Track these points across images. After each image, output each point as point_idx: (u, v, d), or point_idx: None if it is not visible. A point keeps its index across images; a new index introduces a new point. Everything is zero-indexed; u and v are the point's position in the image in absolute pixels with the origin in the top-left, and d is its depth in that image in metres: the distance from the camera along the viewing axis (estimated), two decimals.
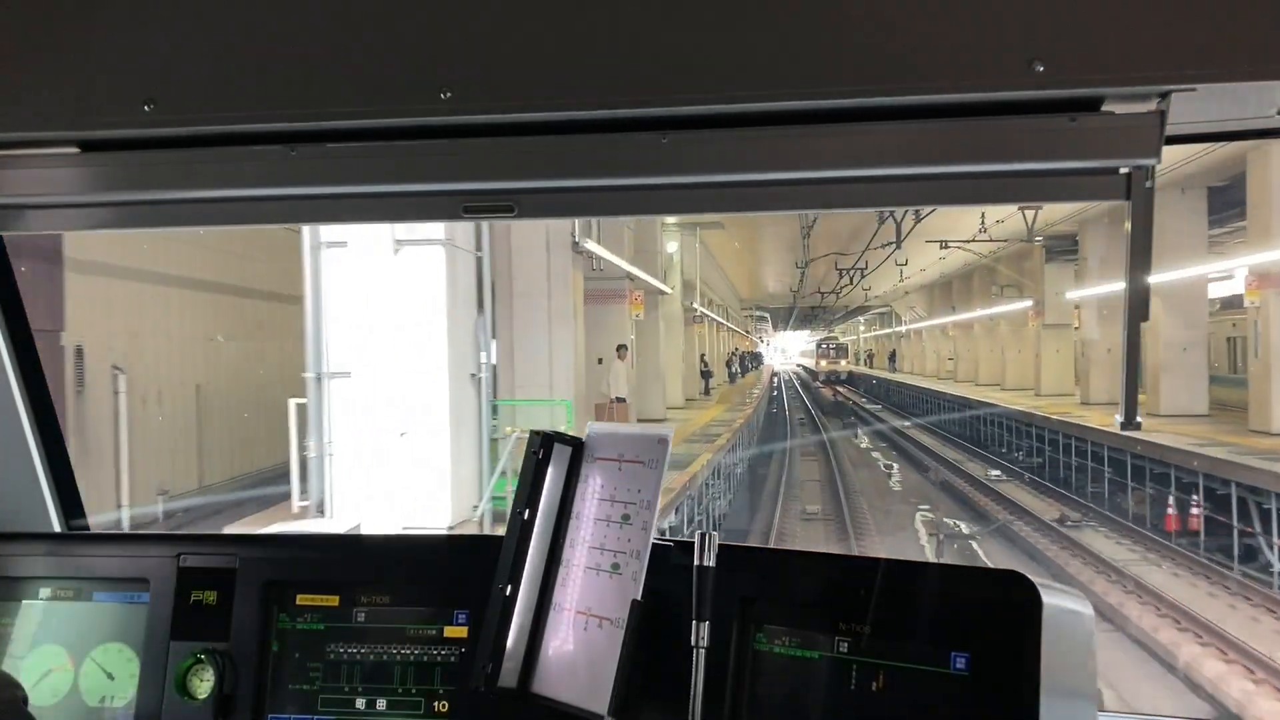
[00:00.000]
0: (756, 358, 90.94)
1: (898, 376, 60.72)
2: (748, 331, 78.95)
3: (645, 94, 1.31)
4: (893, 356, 75.22)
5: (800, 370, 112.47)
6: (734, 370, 55.07)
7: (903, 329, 67.69)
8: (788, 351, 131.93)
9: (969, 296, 44.19)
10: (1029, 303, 33.51)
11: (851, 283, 40.77)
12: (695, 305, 33.29)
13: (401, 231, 10.35)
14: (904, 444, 34.58)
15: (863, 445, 34.58)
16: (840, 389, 66.70)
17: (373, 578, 1.69)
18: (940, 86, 1.24)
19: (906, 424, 39.79)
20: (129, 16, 1.39)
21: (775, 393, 62.13)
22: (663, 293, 25.34)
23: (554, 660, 1.48)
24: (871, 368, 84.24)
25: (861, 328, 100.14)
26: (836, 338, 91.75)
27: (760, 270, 49.35)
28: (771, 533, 19.15)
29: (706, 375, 38.74)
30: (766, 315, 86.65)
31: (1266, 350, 17.86)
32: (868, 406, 52.45)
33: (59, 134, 1.45)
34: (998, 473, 25.49)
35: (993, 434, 31.11)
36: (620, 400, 18.38)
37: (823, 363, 77.88)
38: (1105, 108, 1.26)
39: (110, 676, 1.70)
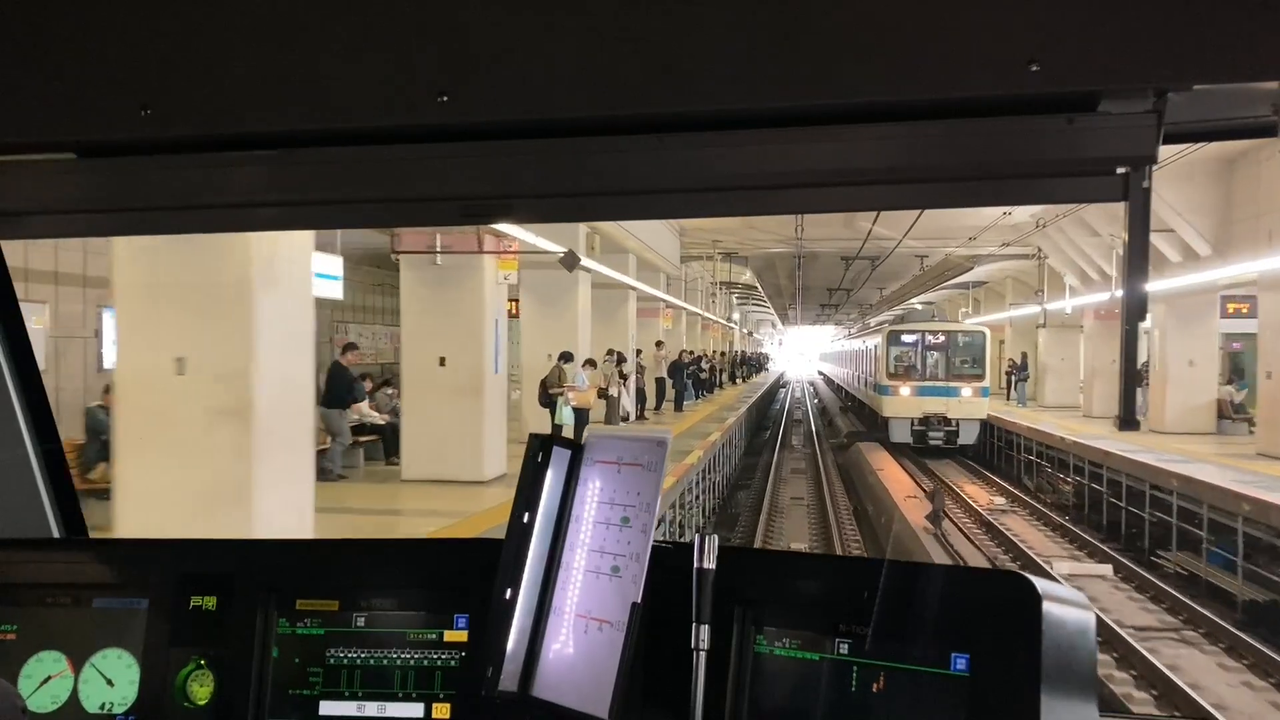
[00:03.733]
0: (753, 363, 64.58)
1: (1061, 428, 23.23)
2: (656, 301, 32.97)
3: (643, 96, 1.32)
4: (1020, 370, 34.50)
5: (821, 383, 76.68)
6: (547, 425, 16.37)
7: (1068, 305, 26.95)
8: (806, 354, 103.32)
9: None
10: None
11: None
12: None
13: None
14: None
15: None
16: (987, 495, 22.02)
17: (373, 582, 1.69)
18: (935, 87, 1.25)
19: None
20: (125, 22, 1.39)
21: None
22: None
23: (554, 664, 1.47)
24: None
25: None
26: (944, 316, 39.94)
27: None
28: None
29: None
30: (758, 289, 48.61)
31: None
32: None
33: (56, 140, 1.47)
34: None
35: None
36: None
37: (903, 390, 28.07)
38: (1102, 108, 1.26)
39: (110, 683, 1.70)
